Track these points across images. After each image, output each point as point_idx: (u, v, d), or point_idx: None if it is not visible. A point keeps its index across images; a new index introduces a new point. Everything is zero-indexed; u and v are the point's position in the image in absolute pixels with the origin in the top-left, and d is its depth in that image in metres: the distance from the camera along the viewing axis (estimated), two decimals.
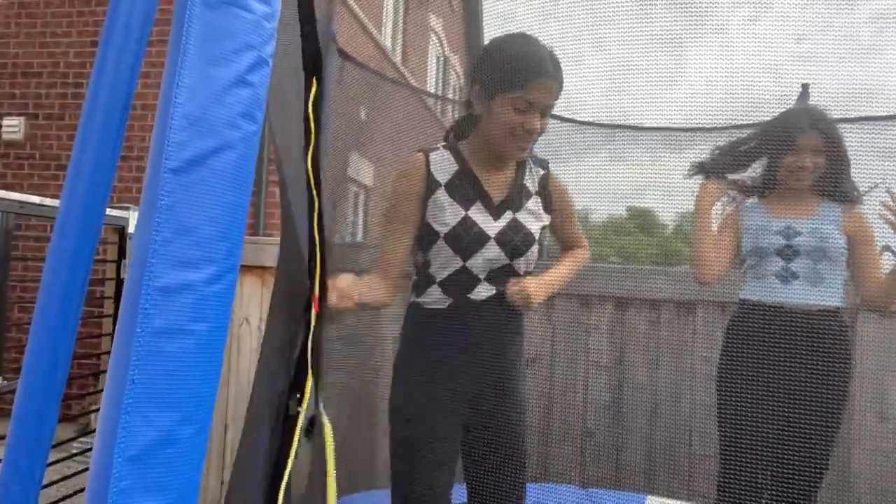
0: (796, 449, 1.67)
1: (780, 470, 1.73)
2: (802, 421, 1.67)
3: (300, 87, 1.24)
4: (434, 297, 1.70)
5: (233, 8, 0.81)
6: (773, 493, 1.77)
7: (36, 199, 2.60)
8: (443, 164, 1.71)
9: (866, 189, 1.96)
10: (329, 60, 2.05)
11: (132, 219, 3.05)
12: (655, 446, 2.72)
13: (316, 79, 1.22)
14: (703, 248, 1.99)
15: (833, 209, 2.00)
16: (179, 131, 0.76)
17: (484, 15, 2.39)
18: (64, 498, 2.54)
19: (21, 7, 5.29)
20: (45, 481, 1.29)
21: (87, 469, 2.77)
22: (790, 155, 1.96)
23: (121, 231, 2.99)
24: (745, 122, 2.22)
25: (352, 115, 2.33)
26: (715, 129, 2.20)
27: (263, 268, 3.00)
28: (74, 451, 2.90)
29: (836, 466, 2.16)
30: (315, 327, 1.26)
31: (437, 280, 1.69)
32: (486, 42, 1.79)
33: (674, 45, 2.05)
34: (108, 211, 2.87)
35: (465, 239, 1.66)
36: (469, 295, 1.68)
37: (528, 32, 1.71)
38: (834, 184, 1.93)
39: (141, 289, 0.75)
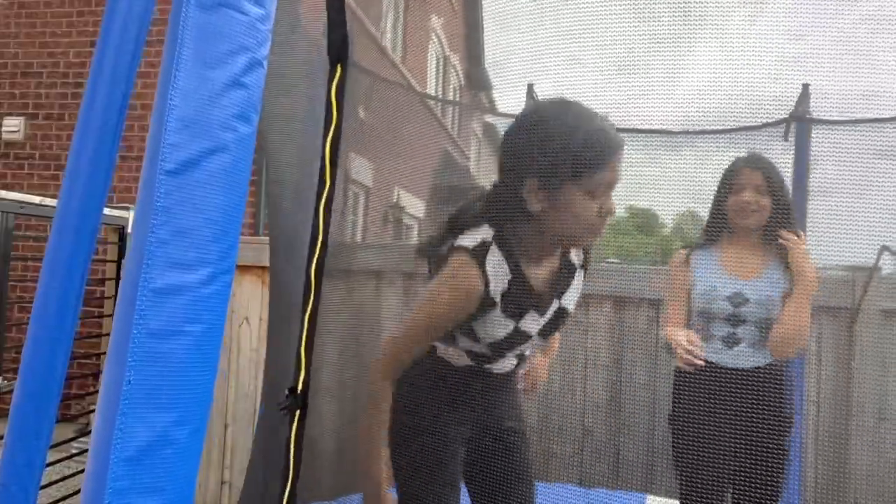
0: (750, 479, 1.79)
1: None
2: (748, 467, 1.79)
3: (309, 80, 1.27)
4: (451, 356, 1.59)
5: (227, 10, 0.81)
6: None
7: (36, 199, 2.60)
8: (498, 274, 1.46)
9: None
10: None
11: (132, 219, 3.06)
12: (655, 445, 2.72)
13: (341, 65, 1.24)
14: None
15: (778, 265, 2.04)
16: (175, 133, 0.77)
17: (484, 14, 2.39)
18: (64, 498, 2.55)
19: (21, 7, 5.29)
20: (44, 481, 1.30)
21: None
22: (732, 194, 2.02)
23: (121, 231, 3.00)
24: (743, 125, 2.22)
25: (352, 113, 2.33)
26: (714, 131, 2.21)
27: (263, 268, 3.00)
28: (74, 451, 2.90)
29: (835, 466, 2.16)
30: (311, 317, 1.28)
31: (462, 350, 1.57)
32: (520, 119, 1.50)
33: (674, 45, 2.05)
34: (109, 211, 2.88)
35: (507, 343, 1.53)
36: (488, 366, 1.59)
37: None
38: (779, 229, 2.01)
39: (137, 290, 0.75)
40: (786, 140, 2.40)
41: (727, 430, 1.76)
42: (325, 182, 1.27)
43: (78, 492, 2.64)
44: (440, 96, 3.89)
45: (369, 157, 2.49)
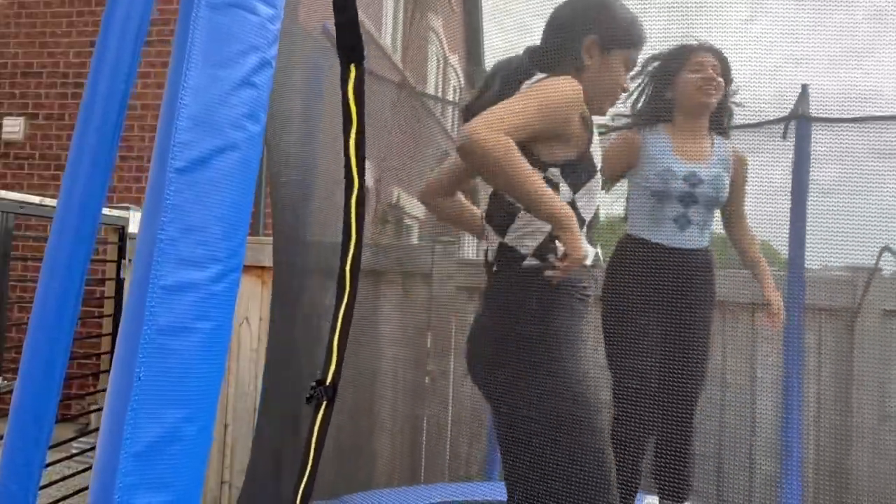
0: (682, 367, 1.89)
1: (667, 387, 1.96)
2: (687, 343, 1.88)
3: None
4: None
5: (238, 10, 0.82)
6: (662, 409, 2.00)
7: (36, 199, 2.60)
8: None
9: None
10: (323, 60, 2.05)
11: (132, 219, 3.05)
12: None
13: (355, 65, 1.25)
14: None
15: (724, 146, 2.08)
16: (185, 132, 0.78)
17: (483, 14, 2.39)
18: (64, 498, 2.55)
19: (21, 7, 5.28)
20: (44, 481, 1.30)
21: (87, 469, 2.77)
22: (690, 72, 2.00)
23: (121, 231, 2.99)
24: (744, 123, 2.22)
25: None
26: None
27: (263, 268, 2.99)
28: (74, 451, 2.90)
29: (835, 465, 2.16)
30: (346, 312, 1.31)
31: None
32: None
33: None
34: (109, 211, 2.88)
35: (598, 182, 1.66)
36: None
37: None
38: (726, 113, 2.07)
39: (147, 287, 0.76)
40: (784, 139, 2.39)
41: (668, 311, 1.80)
42: (352, 182, 1.30)
43: (78, 492, 2.64)
44: (439, 96, 3.89)
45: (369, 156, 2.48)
